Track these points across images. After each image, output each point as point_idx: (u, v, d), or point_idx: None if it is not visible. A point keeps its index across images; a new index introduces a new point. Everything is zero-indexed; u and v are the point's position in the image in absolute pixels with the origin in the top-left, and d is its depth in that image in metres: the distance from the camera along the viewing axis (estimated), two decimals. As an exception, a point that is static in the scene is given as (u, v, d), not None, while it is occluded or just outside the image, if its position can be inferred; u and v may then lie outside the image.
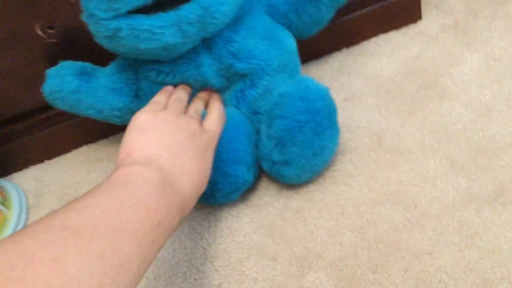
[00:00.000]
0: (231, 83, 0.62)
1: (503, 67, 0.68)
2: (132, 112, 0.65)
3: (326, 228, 0.60)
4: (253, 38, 0.61)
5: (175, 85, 0.61)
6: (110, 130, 0.79)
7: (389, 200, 0.60)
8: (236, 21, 0.60)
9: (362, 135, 0.67)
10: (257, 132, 0.63)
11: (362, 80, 0.73)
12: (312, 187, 0.64)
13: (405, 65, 0.73)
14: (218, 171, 0.58)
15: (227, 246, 0.61)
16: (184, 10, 0.53)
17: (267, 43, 0.62)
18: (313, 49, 0.77)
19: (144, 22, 0.53)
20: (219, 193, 0.60)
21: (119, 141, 0.77)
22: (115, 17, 0.53)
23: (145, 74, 0.62)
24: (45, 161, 0.80)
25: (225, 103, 0.62)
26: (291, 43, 0.66)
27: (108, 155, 0.77)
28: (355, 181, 0.63)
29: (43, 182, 0.77)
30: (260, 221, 0.63)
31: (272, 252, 0.59)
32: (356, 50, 0.78)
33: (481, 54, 0.71)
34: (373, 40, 0.78)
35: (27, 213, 0.74)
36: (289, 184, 0.64)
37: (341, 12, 0.69)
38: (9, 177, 0.79)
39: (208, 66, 0.59)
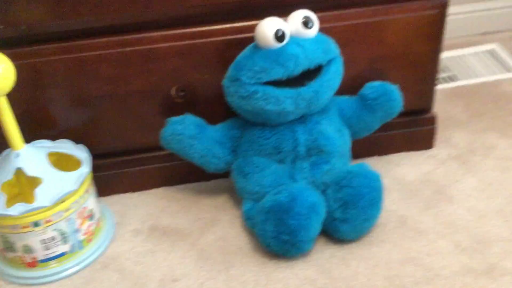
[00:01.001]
0: (309, 155, 0.84)
1: (493, 189, 0.94)
2: (227, 163, 0.87)
3: (363, 275, 0.79)
4: (331, 127, 0.86)
5: (269, 148, 0.83)
6: (186, 178, 0.99)
7: (411, 262, 0.81)
8: (323, 112, 0.85)
9: (391, 216, 0.89)
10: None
11: (390, 179, 0.97)
12: (353, 244, 0.84)
13: (422, 176, 0.98)
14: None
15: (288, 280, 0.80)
16: (302, 90, 0.78)
17: (338, 134, 0.87)
18: (354, 151, 1.02)
19: (275, 91, 0.77)
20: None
21: (193, 188, 0.97)
22: (255, 84, 0.77)
23: (251, 134, 0.84)
24: (128, 193, 0.98)
25: (302, 171, 0.84)
26: (350, 140, 0.90)
27: (183, 196, 0.96)
28: (386, 246, 0.84)
29: (127, 206, 0.94)
30: (312, 262, 0.82)
31: (322, 285, 0.78)
32: (384, 159, 1.03)
33: (478, 179, 0.97)
34: (397, 154, 1.04)
35: (115, 228, 0.90)
36: (336, 239, 0.84)
37: (378, 130, 0.95)
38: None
39: (301, 134, 0.82)
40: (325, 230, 0.84)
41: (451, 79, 1.27)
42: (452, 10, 1.38)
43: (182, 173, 0.98)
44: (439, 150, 1.04)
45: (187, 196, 0.96)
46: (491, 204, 0.91)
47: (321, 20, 0.83)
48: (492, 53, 1.36)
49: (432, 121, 1.03)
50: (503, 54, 1.34)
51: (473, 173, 0.98)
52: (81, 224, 0.82)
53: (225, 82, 0.81)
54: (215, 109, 0.90)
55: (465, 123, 1.11)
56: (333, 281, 0.78)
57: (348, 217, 0.80)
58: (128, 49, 0.84)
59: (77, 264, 0.83)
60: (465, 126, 1.10)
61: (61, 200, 0.78)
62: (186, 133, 0.85)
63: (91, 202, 0.84)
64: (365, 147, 1.02)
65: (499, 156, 1.01)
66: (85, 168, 0.83)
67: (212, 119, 0.88)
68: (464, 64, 1.32)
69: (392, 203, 0.92)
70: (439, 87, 1.23)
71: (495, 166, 0.99)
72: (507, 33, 1.44)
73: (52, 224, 0.79)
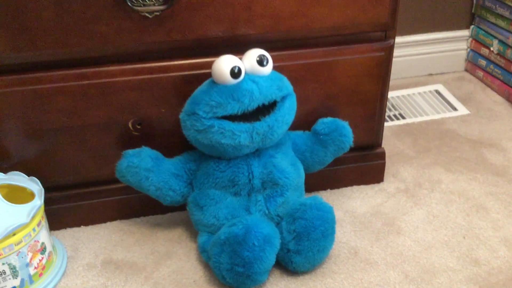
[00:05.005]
0: (264, 188, 0.86)
1: (439, 221, 0.98)
2: (183, 195, 0.88)
3: (317, 305, 0.81)
4: (286, 161, 0.88)
5: (224, 180, 0.85)
6: (141, 211, 0.99)
7: (363, 292, 0.83)
8: (278, 146, 0.88)
9: (343, 247, 0.92)
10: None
11: (342, 212, 1.00)
12: (306, 276, 0.86)
13: (372, 208, 1.01)
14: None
15: (241, 307, 0.80)
16: (257, 125, 0.80)
17: (293, 168, 0.89)
18: (307, 185, 1.04)
19: (230, 125, 0.79)
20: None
21: (148, 221, 0.97)
22: (211, 118, 0.79)
23: (207, 166, 0.85)
24: (82, 226, 0.96)
25: (257, 203, 0.86)
26: (303, 173, 0.93)
27: (138, 229, 0.95)
28: (339, 277, 0.86)
29: (80, 240, 0.93)
30: (267, 293, 0.83)
31: (276, 316, 0.79)
32: (337, 192, 1.06)
33: (424, 211, 1.01)
34: (349, 188, 1.07)
35: (67, 262, 0.88)
36: (291, 270, 0.85)
37: (330, 165, 0.99)
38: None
39: (256, 167, 0.84)
40: (279, 261, 0.85)
41: (399, 117, 1.33)
42: (399, 52, 1.46)
43: (138, 206, 0.98)
44: (388, 183, 1.09)
45: (142, 229, 0.96)
46: (437, 236, 0.95)
47: (275, 59, 0.87)
48: (437, 93, 1.43)
49: (381, 156, 1.07)
50: (446, 94, 1.42)
51: (420, 206, 1.02)
52: (33, 258, 0.81)
53: (182, 115, 0.83)
54: (172, 142, 0.91)
55: (412, 158, 1.16)
56: (287, 313, 0.79)
57: (301, 248, 0.82)
58: (85, 82, 0.84)
59: (26, 300, 0.81)
60: (412, 161, 1.15)
61: (12, 233, 0.77)
62: (142, 165, 0.85)
63: (43, 235, 0.83)
64: (318, 180, 1.05)
65: (444, 190, 1.06)
66: (38, 201, 0.82)
67: (168, 152, 0.89)
68: (411, 103, 1.39)
69: (344, 235, 0.95)
70: (388, 124, 1.29)
71: (441, 200, 1.04)
72: (450, 74, 1.53)
73: (2, 257, 0.77)
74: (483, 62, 1.47)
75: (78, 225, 0.96)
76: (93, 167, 0.92)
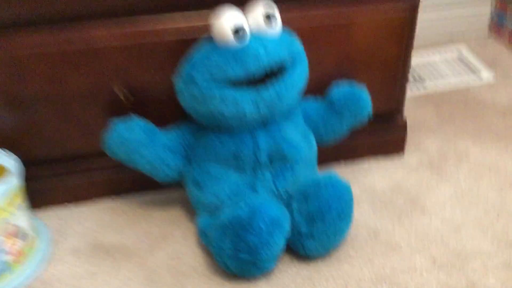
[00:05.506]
0: (272, 163, 0.75)
1: (469, 198, 0.87)
2: (179, 172, 0.77)
3: (332, 295, 0.71)
4: (296, 133, 0.77)
5: (227, 155, 0.74)
6: (135, 188, 0.89)
7: (385, 281, 0.73)
8: (287, 116, 0.77)
9: (361, 228, 0.81)
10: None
11: (359, 188, 0.89)
12: (320, 262, 0.76)
13: (392, 184, 0.91)
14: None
15: (246, 298, 0.70)
16: (264, 92, 0.69)
17: (304, 140, 0.78)
18: (320, 157, 0.94)
19: (233, 93, 0.68)
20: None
21: (142, 199, 0.87)
22: (212, 85, 0.68)
23: (206, 139, 0.74)
24: (68, 205, 0.86)
25: (264, 180, 0.75)
26: (316, 146, 0.82)
27: (131, 208, 0.85)
28: (357, 262, 0.76)
29: (66, 221, 0.83)
30: (275, 282, 0.73)
31: (286, 308, 0.69)
32: (352, 165, 0.95)
33: (452, 186, 0.90)
34: (366, 161, 0.96)
35: (51, 246, 0.79)
36: (302, 255, 0.75)
37: (345, 136, 0.88)
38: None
39: (262, 140, 0.73)
40: (289, 246, 0.75)
41: (420, 84, 1.21)
42: (421, 16, 1.32)
43: (130, 182, 0.87)
44: (410, 156, 0.98)
45: (135, 208, 0.86)
46: (467, 215, 0.84)
47: (284, 19, 0.75)
48: (459, 59, 1.31)
49: (402, 125, 0.96)
50: (470, 59, 1.30)
51: (447, 181, 0.91)
52: (9, 243, 0.71)
53: (177, 81, 0.72)
54: (167, 111, 0.80)
55: (436, 129, 1.05)
56: (299, 304, 0.70)
57: (315, 231, 0.72)
58: (69, 46, 0.73)
59: (4, 290, 0.72)
60: (436, 132, 1.04)
61: (-17, 216, 0.67)
62: (133, 138, 0.74)
63: (22, 217, 0.73)
64: (331, 153, 0.94)
65: (472, 163, 0.95)
66: (13, 179, 0.71)
67: (163, 123, 0.78)
68: (432, 69, 1.27)
69: (362, 215, 0.84)
70: (409, 92, 1.17)
71: (469, 173, 0.93)
72: (473, 38, 1.39)
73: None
74: (509, 25, 1.34)
75: (64, 203, 0.86)
76: (80, 139, 0.82)
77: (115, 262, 0.76)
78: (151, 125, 0.77)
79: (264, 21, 0.70)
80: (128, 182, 0.87)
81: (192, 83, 0.69)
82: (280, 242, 0.70)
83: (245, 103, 0.69)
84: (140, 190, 0.89)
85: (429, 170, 0.94)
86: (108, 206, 0.86)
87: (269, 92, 0.69)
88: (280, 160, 0.76)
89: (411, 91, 1.17)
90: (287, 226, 0.71)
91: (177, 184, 0.83)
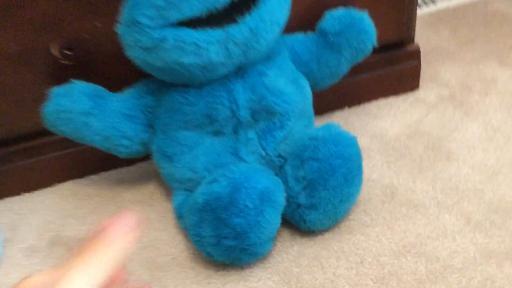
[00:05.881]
0: (257, 121, 0.60)
1: (502, 135, 0.72)
2: (143, 143, 0.62)
3: (346, 277, 0.57)
4: (283, 79, 0.61)
5: (197, 117, 0.58)
6: (99, 165, 0.74)
7: (410, 252, 0.59)
8: (269, 59, 0.61)
9: (374, 188, 0.67)
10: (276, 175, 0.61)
11: (368, 137, 0.74)
12: (327, 235, 0.62)
13: (408, 128, 0.75)
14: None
15: (239, 291, 0.57)
16: (233, 30, 0.53)
17: (294, 87, 0.62)
18: (318, 105, 0.78)
19: (192, 34, 0.52)
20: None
21: (109, 178, 0.73)
22: (162, 27, 0.51)
23: (170, 100, 0.59)
24: (22, 194, 0.72)
25: (248, 143, 0.60)
26: (310, 92, 0.66)
27: (98, 192, 0.71)
28: (372, 231, 0.61)
29: (20, 214, 0.69)
30: (274, 267, 0.59)
31: (289, 300, 0.55)
32: (358, 110, 0.79)
33: (480, 123, 0.74)
34: (374, 103, 0.80)
35: (3, 247, 0.65)
36: (305, 230, 0.61)
37: (347, 74, 0.71)
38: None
39: (240, 93, 0.58)
40: (288, 220, 0.61)
41: (429, 1, 1.03)
42: None
43: (94, 159, 0.73)
44: (426, 91, 0.81)
45: (102, 189, 0.72)
46: (503, 157, 0.69)
47: None
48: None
49: (415, 54, 0.80)
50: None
51: (474, 117, 0.76)
52: None
53: (120, 28, 0.55)
54: (119, 69, 0.64)
55: (454, 54, 0.88)
56: (305, 293, 0.56)
57: (317, 202, 0.57)
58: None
59: None
60: (455, 58, 0.87)
61: None
62: (76, 108, 0.59)
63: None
64: (330, 97, 0.78)
65: (502, 91, 0.79)
66: None
67: (113, 85, 0.63)
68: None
69: (373, 170, 0.69)
70: (418, 12, 0.99)
71: (500, 105, 0.77)
72: None
73: None
74: None
75: (17, 193, 0.72)
76: (18, 115, 0.66)
77: (80, 260, 0.63)
78: (99, 89, 0.61)
79: None
80: (91, 159, 0.73)
81: (136, 26, 0.52)
82: (273, 220, 0.56)
83: (210, 47, 0.53)
84: (106, 167, 0.74)
85: (451, 106, 0.78)
86: (69, 191, 0.72)
87: (240, 29, 0.53)
88: (265, 115, 0.60)
89: (420, 9, 0.99)
90: (281, 199, 0.56)
91: (149, 156, 0.68)
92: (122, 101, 0.61)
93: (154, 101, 0.61)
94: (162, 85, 0.60)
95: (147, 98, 0.61)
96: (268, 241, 0.57)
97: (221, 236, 0.54)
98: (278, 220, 0.56)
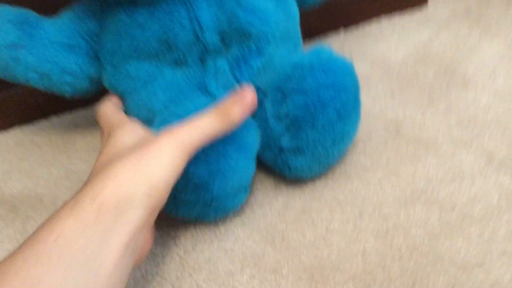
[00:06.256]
0: (228, 46, 0.48)
1: (529, 55, 0.60)
2: (90, 79, 0.51)
3: (341, 233, 0.47)
4: (258, -10, 0.48)
5: (151, 43, 0.47)
6: (51, 108, 0.63)
7: (419, 199, 0.48)
8: (238, -35, 0.47)
9: (376, 123, 0.55)
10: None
11: (367, 64, 0.62)
12: (319, 183, 0.51)
13: (416, 50, 0.63)
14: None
15: (212, 254, 0.47)
16: None
17: (274, 2, 0.50)
18: (307, 27, 0.66)
19: None
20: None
21: (62, 122, 0.62)
22: None
23: (115, 23, 0.47)
24: (-38, 145, 0.62)
25: (218, 74, 0.48)
26: (296, 10, 0.54)
27: (48, 139, 0.60)
28: (373, 177, 0.51)
29: (-43, 171, 0.59)
30: (255, 224, 0.49)
31: (273, 263, 0.45)
32: (356, 31, 0.67)
33: (502, 41, 0.62)
34: (375, 22, 0.68)
35: None
36: (292, 178, 0.51)
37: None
38: None
39: (204, 11, 0.45)
40: (271, 168, 0.50)
41: None
42: None
43: (40, 102, 0.62)
44: (437, 7, 0.69)
45: (54, 137, 0.61)
46: (531, 80, 0.57)
47: None
48: None
49: (423, -39, 0.66)
50: None
51: (494, 35, 0.63)
52: None
53: None
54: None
55: (469, -39, 0.74)
56: (293, 255, 0.46)
57: (303, 144, 0.46)
58: None
59: None
60: (470, -34, 0.74)
61: None
62: (2, 40, 0.47)
63: None
64: (323, 18, 0.65)
65: (529, 3, 0.66)
66: None
67: (48, 9, 0.51)
68: None
69: (374, 102, 0.58)
70: None
71: (526, 19, 0.64)
72: None
73: None
74: None
75: (-44, 145, 0.62)
76: None
77: (22, 221, 0.53)
78: (28, 14, 0.49)
79: None
80: (38, 104, 0.62)
81: None
82: (241, 167, 0.45)
83: None
84: (59, 109, 0.63)
85: (466, 23, 0.65)
86: (14, 140, 0.61)
87: None
88: (238, 39, 0.48)
89: None
90: (251, 141, 0.45)
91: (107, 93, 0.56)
92: (59, 28, 0.49)
93: (97, 25, 0.49)
94: (105, 4, 0.47)
95: (88, 22, 0.49)
96: (238, 193, 0.46)
97: (176, 190, 0.43)
98: (249, 167, 0.45)
